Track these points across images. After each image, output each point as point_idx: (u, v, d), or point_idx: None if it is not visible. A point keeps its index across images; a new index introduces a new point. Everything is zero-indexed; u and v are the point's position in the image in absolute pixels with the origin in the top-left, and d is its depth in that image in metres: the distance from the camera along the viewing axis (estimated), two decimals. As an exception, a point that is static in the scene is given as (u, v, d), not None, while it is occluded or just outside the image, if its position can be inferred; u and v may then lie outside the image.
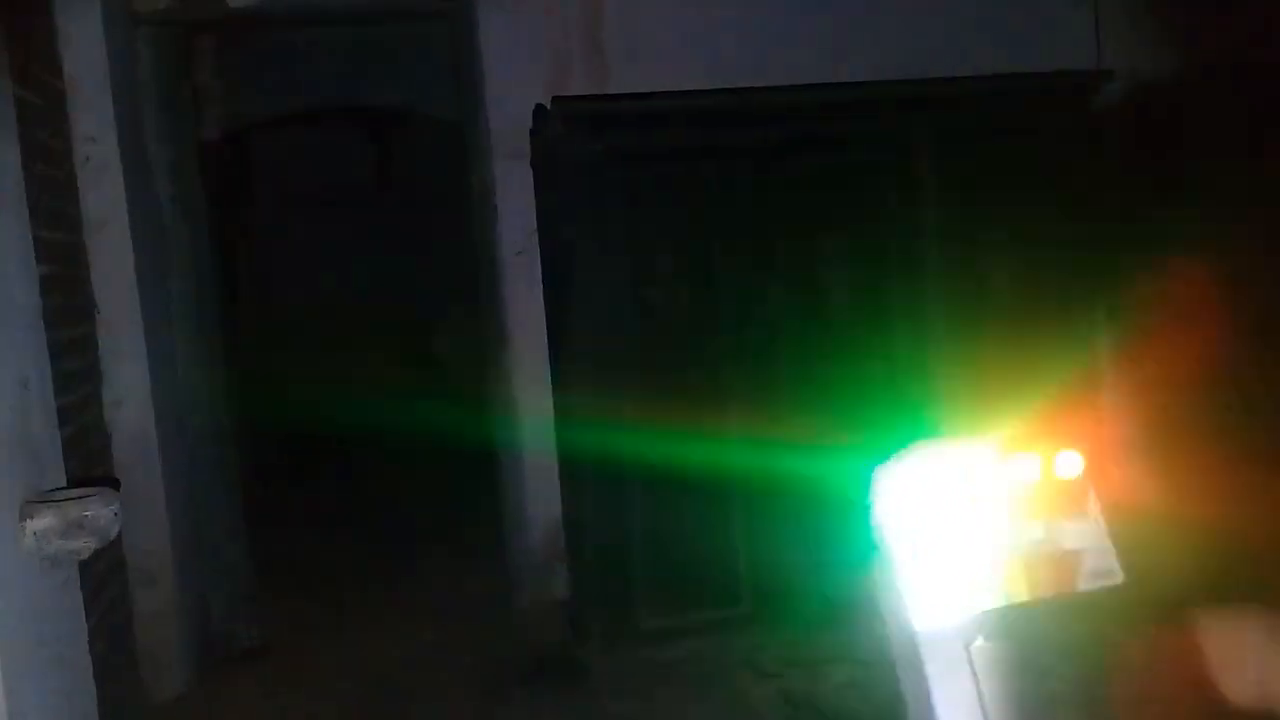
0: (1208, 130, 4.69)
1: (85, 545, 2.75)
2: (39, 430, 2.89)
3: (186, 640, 4.41)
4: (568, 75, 4.76)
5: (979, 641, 0.48)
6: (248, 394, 7.31)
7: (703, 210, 4.22)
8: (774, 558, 4.27)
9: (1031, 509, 0.50)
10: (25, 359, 2.87)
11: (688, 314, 4.19)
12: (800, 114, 4.34)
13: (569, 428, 4.46)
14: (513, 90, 4.72)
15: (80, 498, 2.76)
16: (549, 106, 4.33)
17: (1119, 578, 0.50)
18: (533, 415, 4.79)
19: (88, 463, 3.78)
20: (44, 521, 2.66)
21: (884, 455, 0.50)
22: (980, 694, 0.47)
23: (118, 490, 3.21)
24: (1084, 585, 0.50)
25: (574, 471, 4.38)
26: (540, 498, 4.82)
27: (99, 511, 2.74)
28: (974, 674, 0.47)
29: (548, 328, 4.68)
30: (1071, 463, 0.51)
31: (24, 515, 2.65)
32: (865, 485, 0.50)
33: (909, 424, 4.38)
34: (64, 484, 3.00)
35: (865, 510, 0.50)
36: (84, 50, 4.03)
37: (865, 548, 0.51)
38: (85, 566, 3.16)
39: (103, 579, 3.78)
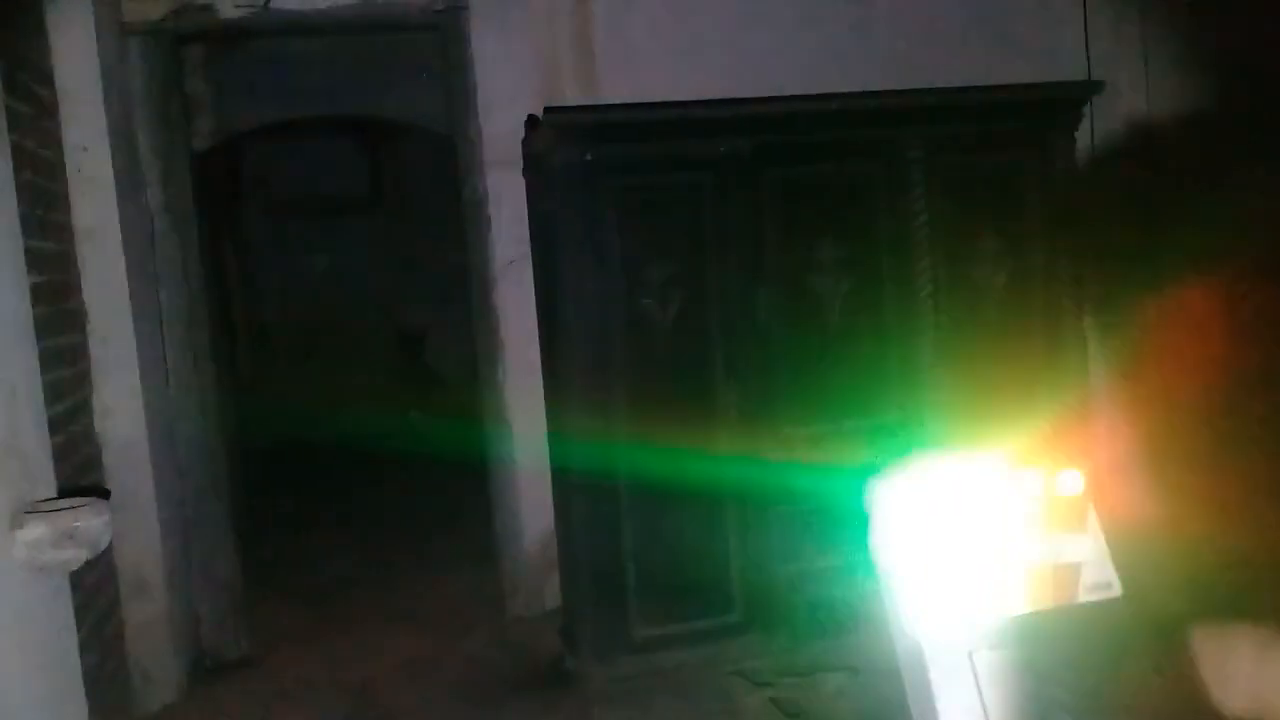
0: (1196, 144, 4.71)
1: (76, 556, 2.74)
2: (29, 440, 2.88)
3: (177, 650, 4.39)
4: (559, 85, 4.77)
5: (981, 650, 0.49)
6: (239, 404, 7.31)
7: (694, 220, 4.23)
8: (766, 567, 4.27)
9: (1033, 524, 0.51)
10: (14, 368, 2.86)
11: (680, 323, 4.20)
12: (791, 125, 4.35)
13: (561, 437, 4.47)
14: (504, 101, 4.73)
15: (71, 508, 2.75)
16: (540, 117, 4.34)
17: (1117, 590, 0.52)
18: (525, 424, 4.79)
19: (78, 472, 3.77)
20: (34, 532, 2.65)
21: (881, 467, 0.51)
22: (982, 700, 0.48)
23: (108, 500, 3.21)
24: (1083, 597, 0.51)
25: (566, 480, 4.38)
26: (532, 507, 4.82)
27: (90, 522, 2.74)
28: (976, 681, 0.49)
29: (540, 337, 4.69)
30: (1073, 480, 0.52)
31: (14, 525, 2.64)
32: (864, 496, 0.51)
33: (901, 435, 4.39)
34: (54, 494, 2.98)
35: (864, 520, 0.51)
36: (76, 60, 4.04)
37: (865, 557, 0.52)
38: (76, 577, 3.15)
39: (93, 589, 3.77)
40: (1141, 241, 4.68)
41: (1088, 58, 5.19)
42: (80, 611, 3.34)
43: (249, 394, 8.33)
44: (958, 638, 0.48)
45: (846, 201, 4.44)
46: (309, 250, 10.45)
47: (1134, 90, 5.01)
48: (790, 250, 4.34)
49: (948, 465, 0.51)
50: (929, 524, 0.50)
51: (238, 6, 4.52)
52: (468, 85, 4.86)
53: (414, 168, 10.36)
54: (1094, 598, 0.50)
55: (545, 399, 4.66)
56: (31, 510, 2.72)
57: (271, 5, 4.55)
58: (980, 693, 0.48)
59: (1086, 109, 4.85)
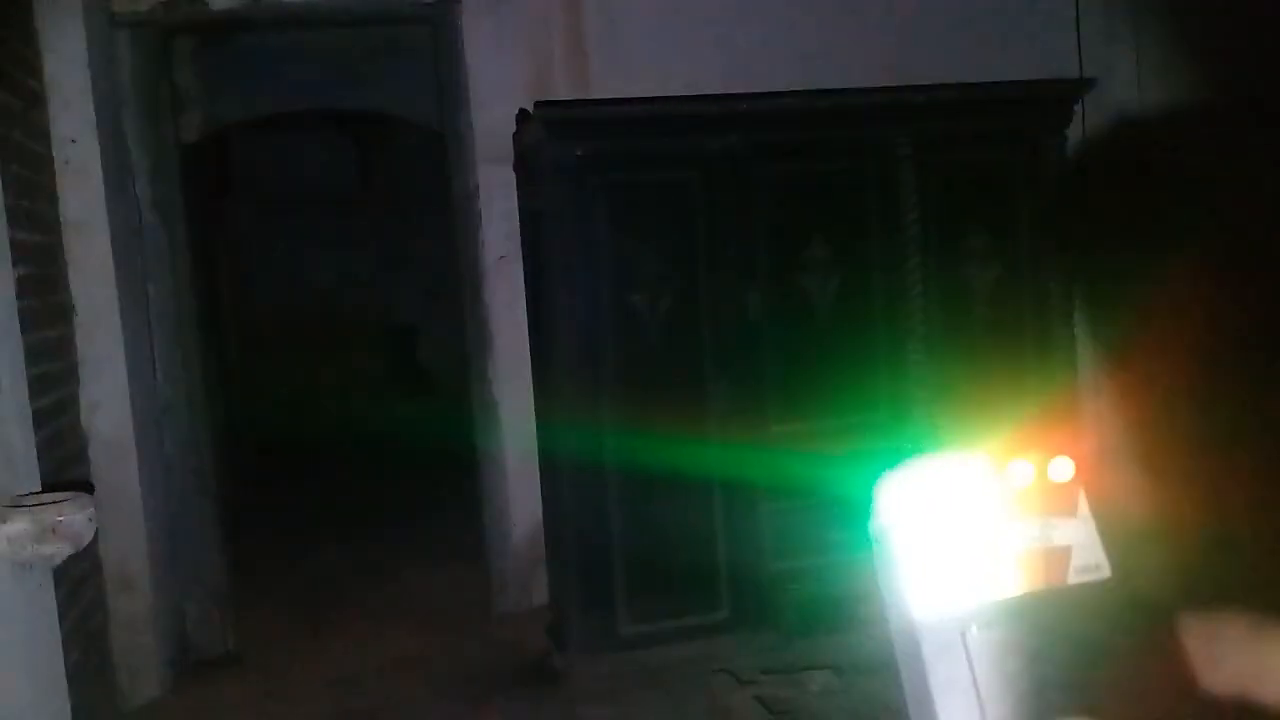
0: (1187, 140, 4.72)
1: (59, 551, 2.72)
2: (13, 433, 2.86)
3: (162, 646, 4.38)
4: (550, 80, 4.76)
5: (974, 629, 0.51)
6: (227, 398, 7.29)
7: (685, 216, 4.22)
8: (754, 564, 4.27)
9: (1025, 509, 0.53)
10: (0, 361, 2.84)
11: (670, 319, 4.19)
12: (782, 121, 4.35)
13: (551, 433, 4.46)
14: (495, 95, 4.71)
15: (54, 502, 2.73)
16: (531, 111, 4.33)
17: (1107, 572, 0.54)
18: (514, 420, 4.78)
19: (64, 467, 3.76)
20: (17, 526, 2.63)
21: (885, 464, 0.54)
22: (974, 677, 0.51)
23: (93, 495, 3.19)
24: (1073, 579, 0.54)
25: (555, 477, 4.37)
26: (521, 503, 4.81)
27: (73, 517, 2.72)
28: (969, 659, 0.51)
29: (530, 332, 4.68)
30: (1064, 468, 0.54)
31: (-3, 519, 2.62)
32: (868, 487, 0.54)
33: (892, 430, 4.39)
34: (38, 488, 2.96)
35: (866, 509, 0.54)
36: (64, 53, 4.02)
37: (864, 543, 0.54)
38: (60, 572, 3.13)
39: (78, 584, 3.76)
40: (1132, 237, 4.70)
41: (1079, 55, 5.19)
42: (64, 607, 3.32)
43: (237, 389, 8.31)
44: (951, 618, 0.51)
45: (837, 199, 4.44)
46: (299, 245, 10.42)
47: (1125, 87, 5.01)
48: (780, 247, 4.34)
49: (944, 456, 0.53)
50: (926, 510, 0.52)
51: (227, -2, 4.50)
52: (459, 79, 4.84)
53: (405, 162, 10.35)
54: (1084, 579, 0.53)
55: (534, 395, 4.66)
56: (14, 504, 2.70)
57: (261, -2, 4.53)
58: (973, 670, 0.50)
59: (1078, 106, 4.85)
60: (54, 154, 4.02)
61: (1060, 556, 0.52)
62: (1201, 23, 4.67)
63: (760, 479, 4.23)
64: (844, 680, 3.92)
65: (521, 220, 4.65)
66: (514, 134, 4.60)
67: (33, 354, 3.27)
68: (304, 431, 9.12)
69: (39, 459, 3.10)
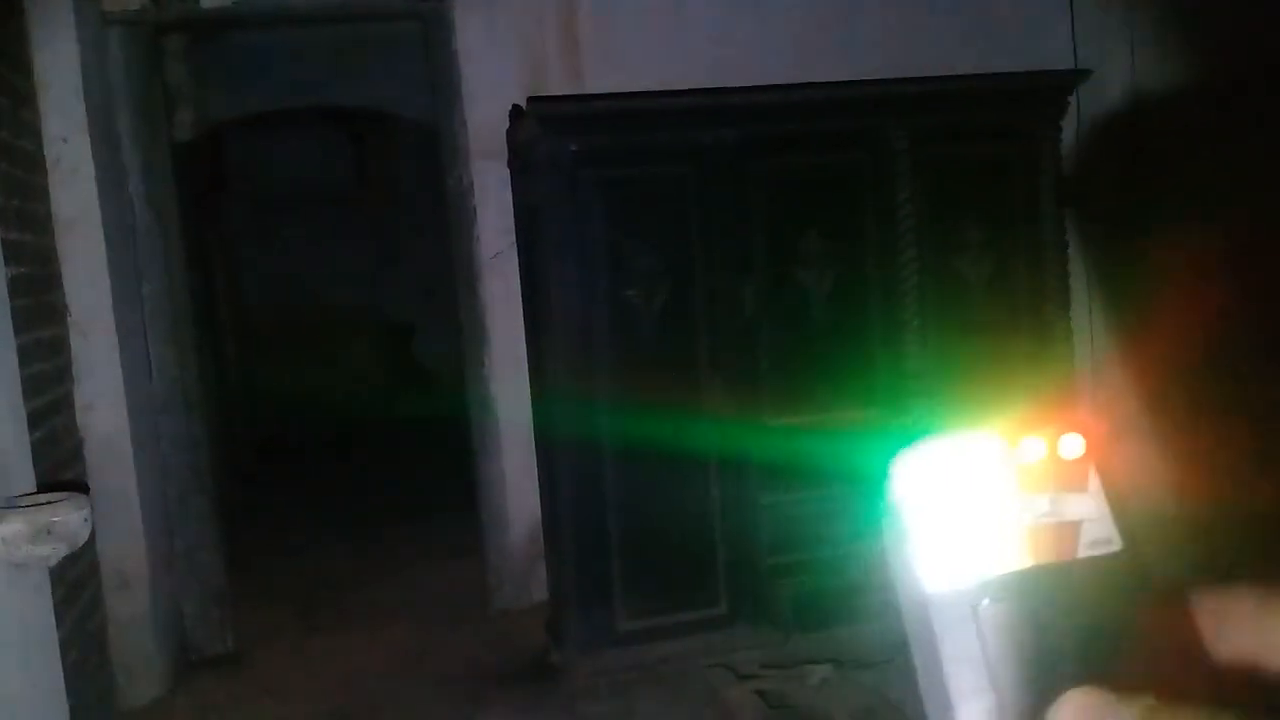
0: (1182, 128, 4.72)
1: (54, 551, 2.71)
2: (7, 434, 2.85)
3: (160, 646, 4.37)
4: (544, 75, 4.75)
5: (985, 602, 0.52)
6: (223, 397, 7.28)
7: (680, 210, 4.21)
8: (751, 559, 4.26)
9: (1036, 485, 0.54)
10: (-7, 362, 2.83)
11: (665, 314, 4.18)
12: (777, 114, 4.34)
13: (548, 429, 4.45)
14: (489, 90, 4.71)
15: (49, 503, 2.73)
16: (525, 107, 4.32)
17: (1117, 545, 0.54)
18: (511, 417, 4.78)
19: (59, 467, 3.75)
20: (12, 527, 2.62)
21: (896, 442, 0.54)
22: (985, 649, 0.51)
23: (89, 495, 3.18)
24: (1084, 552, 0.54)
25: (552, 473, 4.36)
26: (519, 500, 4.81)
27: (68, 517, 2.71)
28: (980, 631, 0.51)
29: (526, 328, 4.67)
30: (1074, 444, 0.55)
31: (-8, 521, 2.61)
32: (875, 467, 0.54)
33: (889, 423, 4.38)
34: (33, 489, 2.96)
35: (874, 489, 0.54)
36: (55, 51, 4.00)
37: (862, 535, 0.55)
38: (58, 572, 3.12)
39: (76, 585, 3.75)
40: (1133, 220, 4.72)
41: (1074, 46, 5.19)
42: (62, 607, 3.32)
43: (233, 387, 8.29)
44: (963, 591, 0.51)
45: (832, 192, 4.43)
46: (294, 242, 10.39)
47: (1121, 78, 5.00)
48: (776, 241, 4.33)
49: (958, 440, 0.53)
50: (939, 485, 0.52)
51: (219, -4, 4.49)
52: (452, 75, 4.83)
53: (400, 159, 10.33)
54: (1094, 552, 0.53)
55: (531, 391, 4.65)
56: (9, 505, 2.69)
57: (253, -5, 4.51)
58: (984, 642, 0.51)
59: (1073, 97, 4.84)
60: (46, 153, 4.01)
61: (1071, 530, 0.53)
62: (1196, 11, 4.66)
63: (757, 473, 4.23)
64: (843, 673, 3.92)
65: (516, 216, 4.65)
66: (508, 129, 4.59)
67: (26, 354, 3.26)
68: (301, 429, 9.11)
69: (34, 459, 3.10)
